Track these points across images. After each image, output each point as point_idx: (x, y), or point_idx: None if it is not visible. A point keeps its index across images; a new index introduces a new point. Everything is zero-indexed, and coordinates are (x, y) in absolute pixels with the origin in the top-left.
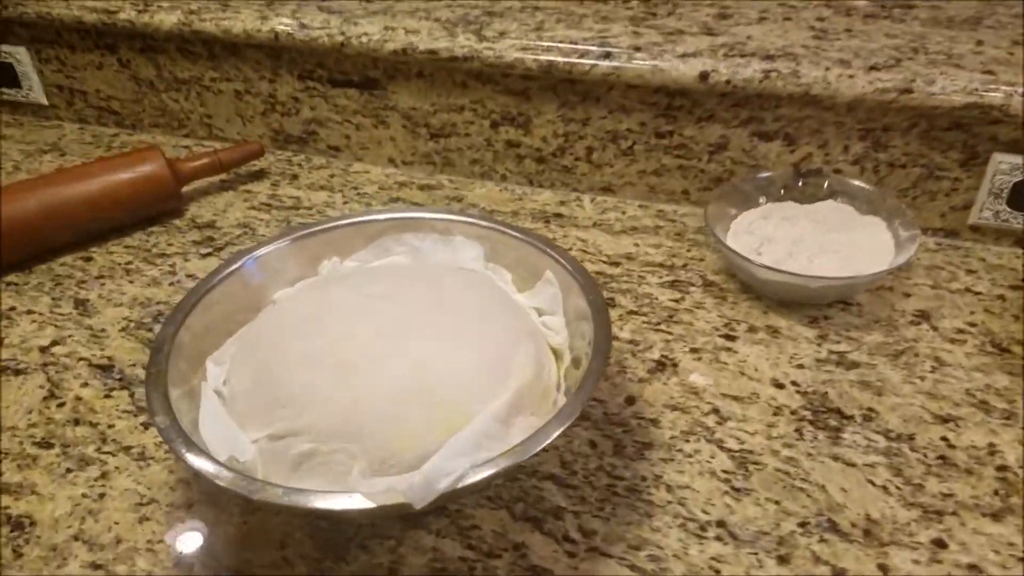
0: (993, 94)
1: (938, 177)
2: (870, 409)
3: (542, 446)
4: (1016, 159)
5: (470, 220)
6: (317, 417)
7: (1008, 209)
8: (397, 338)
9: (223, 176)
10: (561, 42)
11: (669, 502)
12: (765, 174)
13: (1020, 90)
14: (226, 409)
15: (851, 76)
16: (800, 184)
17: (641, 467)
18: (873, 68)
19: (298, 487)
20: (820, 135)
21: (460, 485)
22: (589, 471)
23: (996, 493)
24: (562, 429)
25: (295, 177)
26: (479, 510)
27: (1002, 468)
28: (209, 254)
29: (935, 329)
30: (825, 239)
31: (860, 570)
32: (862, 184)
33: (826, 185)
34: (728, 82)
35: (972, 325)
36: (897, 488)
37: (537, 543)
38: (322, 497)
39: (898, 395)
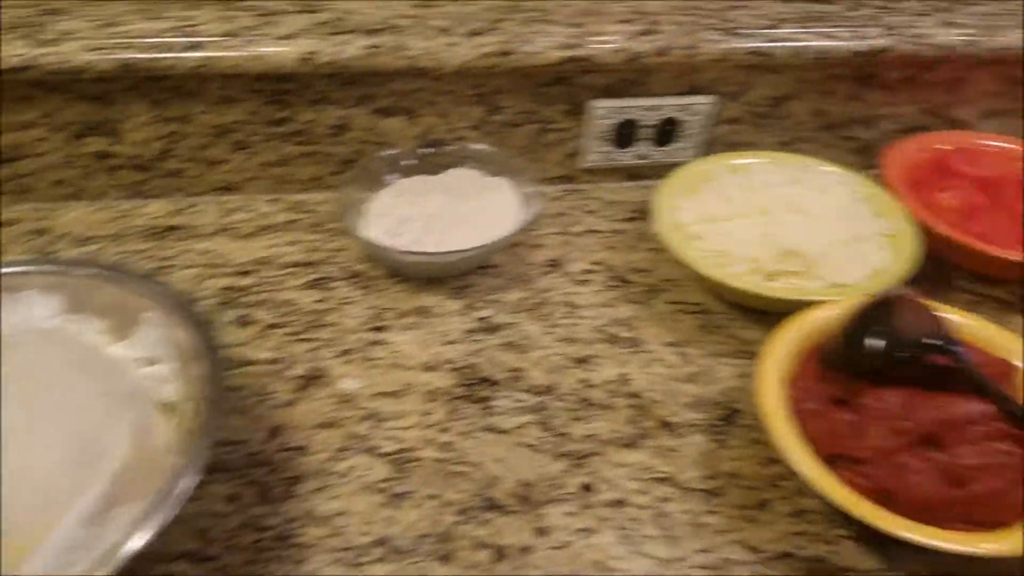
0: (583, 48)
1: (550, 130)
2: (516, 369)
3: (140, 547)
4: (611, 103)
5: (35, 269)
6: None
7: (615, 148)
8: None
9: None
10: (138, 37)
11: (322, 537)
12: (390, 151)
13: (606, 38)
14: None
15: (454, 44)
16: (427, 156)
17: (291, 507)
18: (474, 33)
19: None
20: (437, 105)
21: None
22: (231, 532)
23: (631, 421)
24: (169, 515)
25: None
26: None
27: (634, 395)
28: None
29: (566, 275)
30: (458, 209)
31: (519, 540)
32: (485, 148)
33: (452, 153)
34: (332, 62)
35: (597, 264)
36: (547, 444)
37: None
38: None
39: (540, 348)
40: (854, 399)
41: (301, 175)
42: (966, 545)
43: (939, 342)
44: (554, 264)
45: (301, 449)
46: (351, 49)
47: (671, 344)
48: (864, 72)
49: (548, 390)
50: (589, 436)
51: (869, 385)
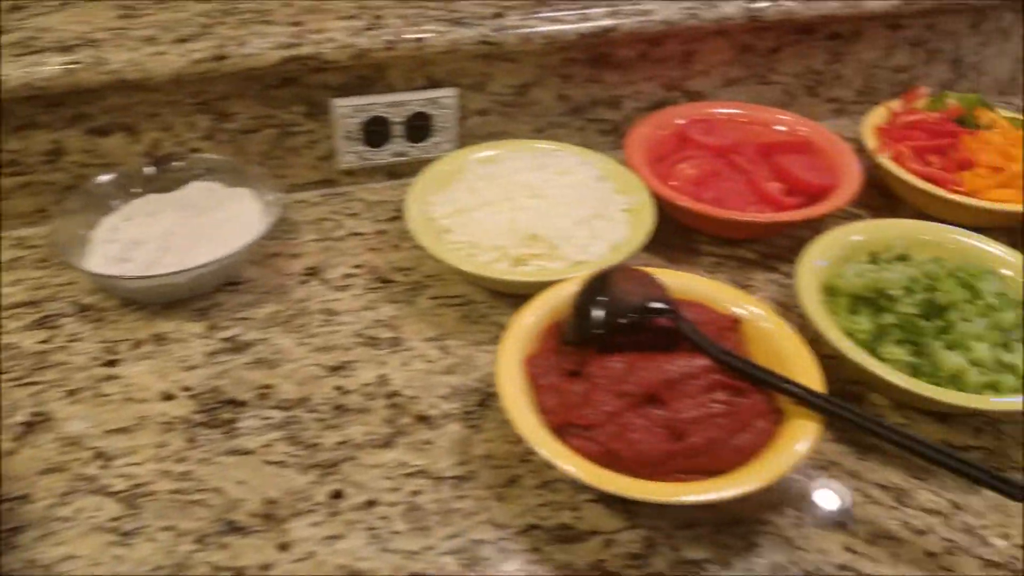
0: (305, 46)
1: (293, 133)
2: (265, 386)
3: None
4: (353, 100)
5: None
6: None
7: (369, 148)
8: None
9: None
10: None
11: None
12: (109, 175)
13: (328, 35)
14: None
15: (162, 53)
16: (158, 173)
17: (12, 560)
18: (182, 40)
19: None
20: (159, 118)
21: None
22: None
23: (387, 421)
24: None
25: None
26: None
27: (392, 395)
28: None
29: (325, 282)
30: (197, 224)
31: (260, 559)
32: (221, 157)
33: (186, 168)
34: (28, 84)
35: (359, 267)
36: (295, 457)
37: None
38: None
39: (292, 360)
40: (585, 369)
41: (21, 208)
42: (666, 496)
43: (656, 305)
44: (312, 272)
45: (24, 498)
46: (47, 69)
47: (432, 339)
48: (597, 53)
49: (300, 403)
50: (342, 443)
51: (598, 354)
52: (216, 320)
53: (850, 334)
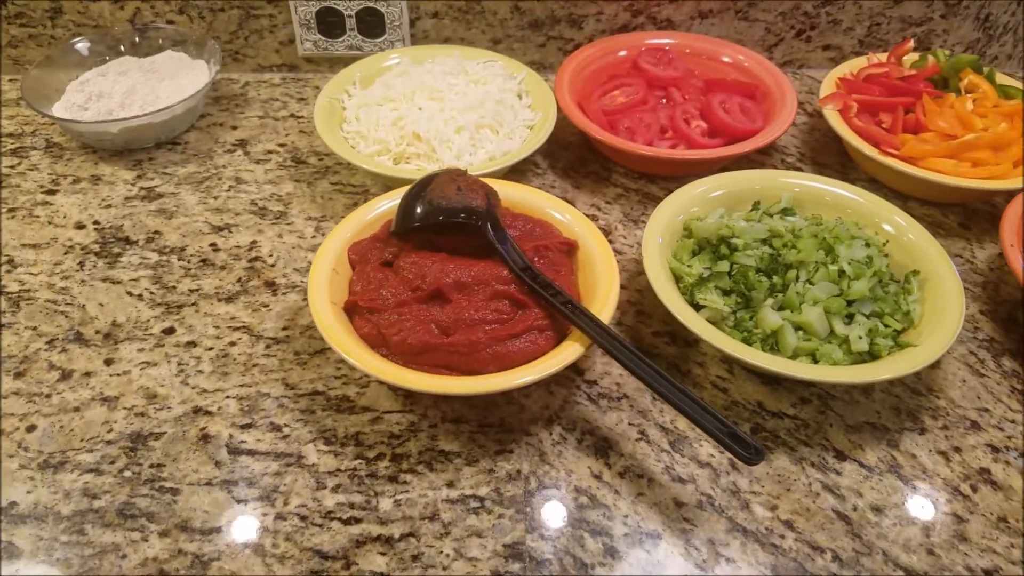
0: None
1: (256, 15)
2: (156, 232)
3: None
4: None
5: None
6: None
7: (325, 38)
8: None
9: None
10: None
11: None
12: (86, 38)
13: None
14: None
15: None
16: (139, 39)
17: None
18: None
19: None
20: None
21: None
22: None
23: (239, 280)
24: None
25: None
26: None
27: (255, 259)
28: None
29: (247, 154)
30: (157, 87)
31: (86, 367)
32: (189, 31)
33: (164, 37)
34: None
35: (282, 145)
36: (151, 294)
37: None
38: None
39: (187, 215)
40: (397, 260)
41: (29, 56)
42: (389, 376)
43: (462, 212)
44: (240, 143)
45: None
46: None
47: (313, 218)
48: None
49: (176, 251)
50: (194, 291)
51: (415, 249)
52: (145, 171)
53: (678, 276)
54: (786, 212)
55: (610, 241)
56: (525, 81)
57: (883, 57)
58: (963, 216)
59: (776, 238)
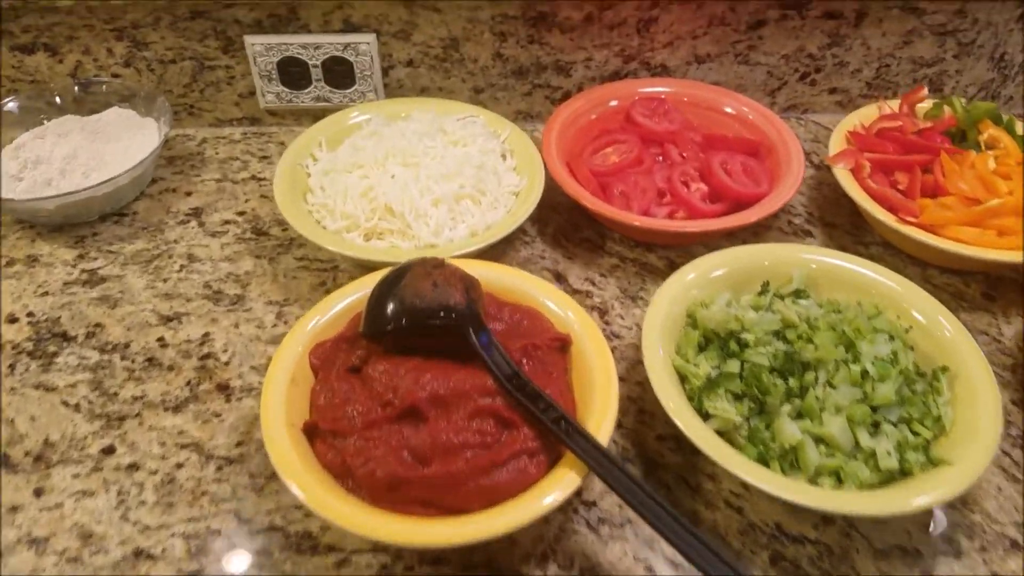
0: None
1: (211, 67)
2: (97, 325)
3: None
4: (266, 39)
5: None
6: None
7: (289, 89)
8: None
9: None
10: None
11: None
12: (17, 96)
13: None
14: None
15: None
16: (81, 95)
17: None
18: None
19: None
20: (78, 40)
21: None
22: None
23: (188, 384)
24: None
25: None
26: None
27: (207, 356)
28: None
29: (202, 225)
30: (101, 151)
31: (13, 500)
32: (137, 85)
33: (108, 92)
34: None
35: (241, 214)
36: (89, 403)
37: None
38: None
39: (134, 303)
40: (366, 366)
41: None
42: (357, 527)
43: (440, 313)
44: (195, 212)
45: None
46: None
47: (274, 303)
48: (536, 12)
49: (119, 348)
50: (138, 398)
51: (386, 353)
52: (88, 250)
53: (683, 375)
54: (799, 294)
55: (606, 323)
56: (509, 140)
57: (895, 105)
58: (987, 285)
59: (790, 329)
